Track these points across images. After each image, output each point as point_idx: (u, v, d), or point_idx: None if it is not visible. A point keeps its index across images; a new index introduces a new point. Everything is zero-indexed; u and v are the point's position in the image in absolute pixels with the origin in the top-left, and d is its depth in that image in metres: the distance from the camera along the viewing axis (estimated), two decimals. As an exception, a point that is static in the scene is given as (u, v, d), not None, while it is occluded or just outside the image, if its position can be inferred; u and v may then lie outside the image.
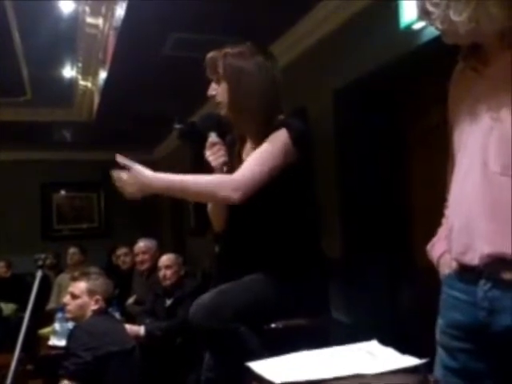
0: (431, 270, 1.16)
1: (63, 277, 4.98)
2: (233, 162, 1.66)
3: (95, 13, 3.62)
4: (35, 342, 3.20)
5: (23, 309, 2.71)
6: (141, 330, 3.10)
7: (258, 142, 1.59)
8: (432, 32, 2.13)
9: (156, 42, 3.57)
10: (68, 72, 4.73)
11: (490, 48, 1.01)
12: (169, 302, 3.34)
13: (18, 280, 5.39)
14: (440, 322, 1.10)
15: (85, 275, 2.53)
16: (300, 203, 1.62)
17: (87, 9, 3.59)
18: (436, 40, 1.66)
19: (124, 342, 2.38)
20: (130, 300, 4.01)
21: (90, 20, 3.71)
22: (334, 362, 0.97)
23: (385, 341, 1.05)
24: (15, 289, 5.17)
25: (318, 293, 1.61)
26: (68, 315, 2.54)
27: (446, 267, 1.10)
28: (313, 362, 0.99)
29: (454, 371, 1.04)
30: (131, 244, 4.36)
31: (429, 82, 2.55)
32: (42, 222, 7.53)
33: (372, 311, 2.79)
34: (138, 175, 1.50)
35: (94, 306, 2.42)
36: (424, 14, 1.00)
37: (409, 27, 2.43)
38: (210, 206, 1.70)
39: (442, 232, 1.15)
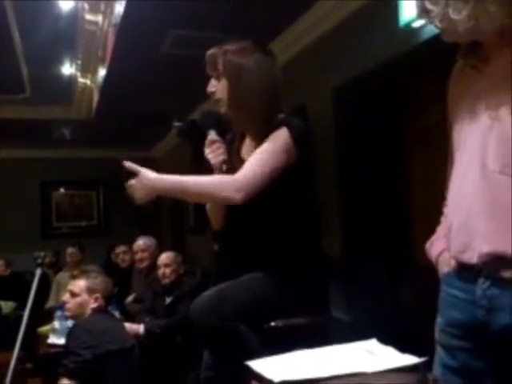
0: (431, 268, 1.16)
1: (62, 275, 4.98)
2: (232, 160, 1.65)
3: (94, 10, 3.61)
4: (34, 340, 3.20)
5: (22, 307, 2.72)
6: (140, 328, 3.10)
7: (257, 140, 1.59)
8: (431, 30, 2.13)
9: (155, 39, 3.57)
10: (67, 69, 4.73)
11: (489, 46, 1.01)
12: (168, 300, 3.34)
13: (17, 278, 5.39)
14: (439, 320, 1.10)
15: (84, 273, 2.53)
16: (300, 202, 1.62)
17: (86, 6, 3.58)
18: (435, 38, 1.66)
19: (123, 340, 2.38)
20: (130, 298, 4.01)
21: (89, 17, 3.70)
22: (334, 361, 0.98)
23: (384, 339, 1.05)
24: (14, 287, 5.17)
25: (317, 292, 1.61)
26: (67, 313, 2.54)
27: (445, 265, 1.10)
28: (312, 360, 1.00)
29: (453, 370, 1.04)
30: (130, 242, 4.36)
31: (428, 80, 2.54)
32: (41, 219, 7.53)
33: (372, 310, 2.79)
34: (142, 179, 1.51)
35: (93, 304, 2.42)
36: (423, 12, 1.00)
37: (408, 25, 2.43)
38: (208, 205, 1.70)
39: (440, 230, 1.15)
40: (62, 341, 2.72)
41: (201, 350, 1.63)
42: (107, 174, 7.44)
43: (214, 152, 1.62)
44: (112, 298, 2.78)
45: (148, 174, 1.51)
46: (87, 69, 4.70)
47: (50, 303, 4.76)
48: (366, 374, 0.91)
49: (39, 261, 2.29)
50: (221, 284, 1.59)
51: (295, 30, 3.42)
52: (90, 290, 2.43)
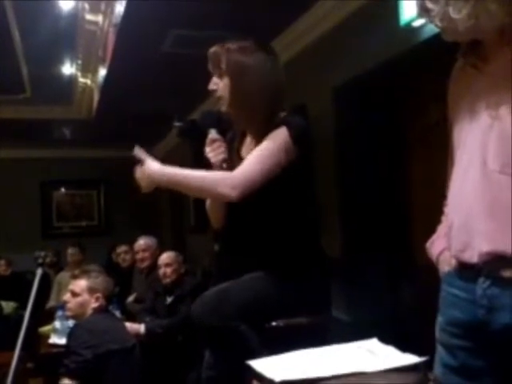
0: (431, 268, 1.16)
1: (63, 275, 4.98)
2: (232, 159, 1.65)
3: (95, 10, 3.61)
4: (35, 340, 3.20)
5: (23, 307, 2.72)
6: (141, 328, 3.10)
7: (258, 139, 1.59)
8: (432, 29, 2.13)
9: (155, 39, 3.57)
10: (67, 69, 4.73)
11: (489, 45, 1.01)
12: (169, 299, 3.34)
13: (18, 278, 5.38)
14: (439, 319, 1.10)
15: (85, 273, 2.53)
16: (300, 202, 1.62)
17: (86, 6, 3.58)
18: (436, 37, 1.66)
19: (124, 340, 2.38)
20: (130, 298, 4.01)
21: (89, 17, 3.70)
22: (335, 360, 0.98)
23: (385, 339, 1.05)
24: (15, 287, 5.17)
25: (318, 291, 1.61)
26: (68, 313, 2.54)
27: (446, 265, 1.10)
28: (313, 360, 1.00)
29: (453, 369, 1.04)
30: (131, 242, 4.36)
31: (428, 79, 2.54)
32: (41, 219, 7.54)
33: (372, 310, 2.79)
34: (146, 169, 1.53)
35: (94, 304, 2.42)
36: (423, 11, 1.00)
37: (408, 25, 2.43)
38: (208, 203, 1.70)
39: (441, 229, 1.15)
40: (63, 341, 2.72)
41: (202, 350, 1.64)
42: (108, 173, 7.46)
43: (214, 151, 1.63)
44: (113, 298, 2.78)
45: (151, 165, 1.53)
46: (87, 69, 4.70)
47: (51, 303, 4.76)
48: (366, 373, 0.91)
49: (40, 261, 2.29)
50: (221, 284, 1.60)
51: (295, 30, 3.42)
52: (91, 290, 2.43)
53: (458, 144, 1.06)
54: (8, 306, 5.04)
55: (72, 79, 4.98)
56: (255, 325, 1.52)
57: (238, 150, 1.70)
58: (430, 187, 2.53)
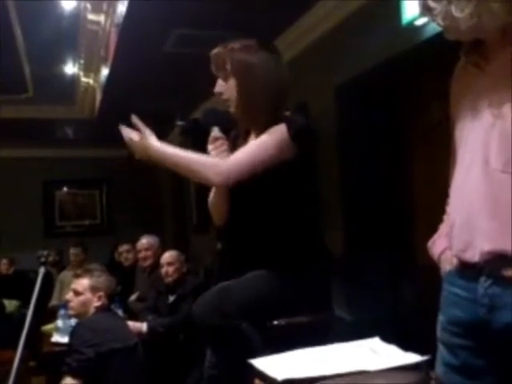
0: (432, 267, 1.16)
1: (65, 274, 4.99)
2: None
3: (97, 10, 3.62)
4: (38, 338, 3.21)
5: (26, 305, 2.72)
6: (143, 326, 3.10)
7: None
8: (434, 28, 2.13)
9: (158, 38, 3.57)
10: (70, 69, 4.73)
11: (491, 44, 1.01)
12: (171, 298, 3.34)
13: (21, 277, 5.40)
14: (441, 318, 1.10)
15: (88, 272, 2.54)
16: (302, 200, 1.62)
17: (89, 6, 3.58)
18: (438, 36, 1.65)
19: (126, 338, 2.38)
20: (133, 297, 4.02)
21: (91, 17, 3.71)
22: (337, 359, 0.98)
23: (387, 338, 1.05)
24: (18, 285, 5.18)
25: (320, 290, 1.61)
26: (71, 312, 2.55)
27: (447, 264, 1.10)
28: (315, 358, 1.00)
29: (455, 368, 1.04)
30: (134, 241, 4.36)
31: (430, 78, 2.54)
32: (44, 219, 7.55)
33: (373, 308, 2.79)
34: (144, 140, 1.55)
35: (96, 303, 2.42)
36: (426, 10, 1.00)
37: (411, 23, 2.42)
38: (210, 200, 1.71)
39: (443, 229, 1.15)
40: (65, 339, 2.73)
41: (204, 349, 1.64)
42: (110, 173, 7.47)
43: (217, 149, 1.63)
44: (115, 297, 2.78)
45: (150, 139, 1.56)
46: (90, 68, 4.70)
47: (54, 302, 4.77)
48: (368, 372, 0.91)
49: (42, 259, 2.30)
50: (223, 282, 1.60)
51: (297, 29, 3.42)
52: (94, 289, 2.44)
53: (459, 143, 1.06)
54: (11, 305, 5.05)
55: (74, 79, 4.99)
56: (257, 323, 1.52)
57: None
58: (431, 186, 2.52)
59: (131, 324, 2.88)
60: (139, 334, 2.89)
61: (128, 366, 2.27)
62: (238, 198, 1.65)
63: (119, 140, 1.65)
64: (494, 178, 0.95)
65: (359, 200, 3.06)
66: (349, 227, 3.10)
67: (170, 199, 7.23)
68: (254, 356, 1.03)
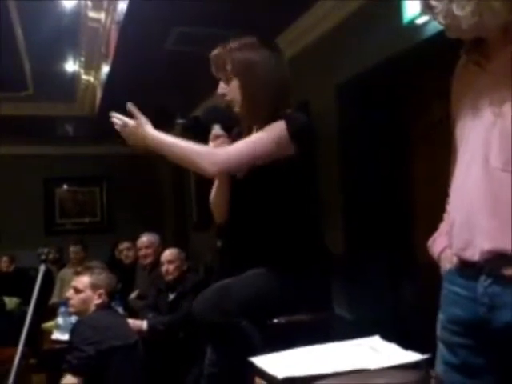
0: (432, 266, 1.16)
1: (66, 271, 5.00)
2: None
3: (97, 7, 3.61)
4: (38, 336, 3.21)
5: (26, 303, 2.72)
6: (143, 324, 3.11)
7: None
8: (435, 27, 2.12)
9: (158, 36, 3.57)
10: (70, 66, 4.73)
11: (493, 42, 1.00)
12: (171, 296, 3.35)
13: (21, 274, 5.40)
14: (441, 317, 1.10)
15: (88, 270, 2.54)
16: (302, 199, 1.62)
17: (89, 3, 3.58)
18: (439, 35, 1.65)
19: (127, 336, 2.39)
20: (133, 294, 4.02)
21: (92, 14, 3.71)
22: (337, 357, 0.98)
23: (387, 337, 1.05)
24: (18, 283, 5.19)
25: (320, 289, 1.61)
26: (71, 309, 2.55)
27: (447, 262, 1.10)
28: (315, 357, 1.00)
29: (455, 367, 1.04)
30: (134, 238, 4.36)
31: (432, 76, 2.54)
32: (44, 216, 7.55)
33: (373, 307, 2.79)
34: (139, 127, 1.54)
35: (97, 301, 2.43)
36: (427, 8, 1.00)
37: (412, 22, 2.42)
38: (211, 197, 1.71)
39: (443, 227, 1.15)
40: (65, 337, 2.73)
41: (204, 346, 1.64)
42: (110, 170, 7.47)
43: (218, 146, 1.63)
44: (115, 294, 2.79)
45: (145, 126, 1.56)
46: (90, 66, 4.70)
47: (54, 299, 4.78)
48: (369, 370, 0.91)
49: (43, 257, 2.30)
50: (223, 280, 1.60)
51: (298, 28, 3.41)
52: (94, 286, 2.44)
53: (460, 141, 1.06)
54: (11, 302, 5.06)
55: (75, 76, 4.98)
56: (257, 321, 1.52)
57: None
58: (432, 185, 2.52)
59: (131, 322, 2.89)
60: (139, 331, 2.90)
61: (128, 364, 2.28)
62: (239, 196, 1.65)
63: (119, 137, 1.65)
64: (495, 176, 0.95)
65: (359, 199, 3.06)
66: (349, 227, 3.10)
67: (170, 196, 7.23)
68: (254, 354, 1.03)
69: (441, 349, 1.08)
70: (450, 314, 1.06)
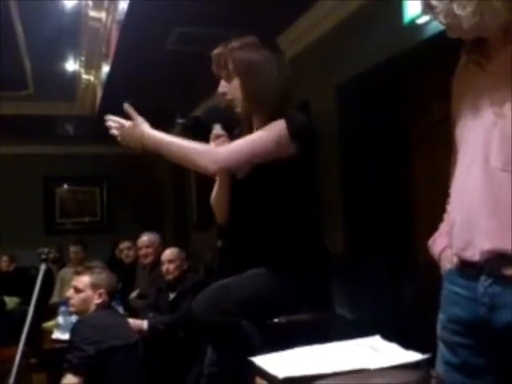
0: (433, 266, 1.16)
1: (66, 271, 5.00)
2: None
3: (98, 6, 3.61)
4: (39, 335, 3.21)
5: (27, 302, 2.72)
6: (144, 324, 3.11)
7: None
8: (435, 27, 2.13)
9: (159, 36, 3.57)
10: (71, 66, 4.73)
11: (493, 43, 1.00)
12: (172, 296, 3.35)
13: (22, 274, 5.40)
14: (441, 317, 1.10)
15: (88, 269, 2.54)
16: (302, 199, 1.62)
17: (90, 2, 3.58)
18: (439, 35, 1.65)
19: (127, 336, 2.39)
20: (133, 294, 4.02)
21: (92, 14, 3.71)
22: (338, 357, 0.98)
23: (387, 336, 1.05)
24: (18, 282, 5.18)
25: (320, 290, 1.61)
26: (71, 309, 2.55)
27: (448, 262, 1.10)
28: (316, 356, 1.00)
29: (455, 366, 1.04)
30: (134, 238, 4.36)
31: (432, 76, 2.54)
32: (44, 216, 7.55)
33: (374, 307, 2.79)
34: (136, 127, 1.55)
35: (97, 300, 2.43)
36: (428, 8, 1.00)
37: (413, 22, 2.42)
38: (212, 197, 1.71)
39: (443, 227, 1.15)
40: (66, 336, 2.73)
41: (204, 346, 1.64)
42: (110, 170, 7.47)
43: (218, 146, 1.63)
44: (116, 294, 2.79)
45: (142, 126, 1.56)
46: (91, 65, 4.70)
47: (54, 299, 4.78)
48: (369, 370, 0.91)
49: (43, 256, 2.30)
50: (223, 280, 1.60)
51: (299, 28, 3.41)
52: (94, 286, 2.44)
53: (460, 141, 1.06)
54: (11, 302, 5.06)
55: (75, 76, 4.98)
56: (256, 321, 1.52)
57: None
58: (432, 185, 2.52)
59: (132, 321, 2.89)
60: (140, 331, 2.90)
61: (128, 364, 2.28)
62: (239, 196, 1.65)
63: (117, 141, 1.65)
64: (495, 176, 0.95)
65: (359, 199, 3.06)
66: (349, 227, 3.10)
67: (170, 196, 7.23)
68: (254, 354, 1.03)
69: (441, 349, 1.09)
70: (451, 313, 1.06)
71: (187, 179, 6.08)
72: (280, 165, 1.53)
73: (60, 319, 3.04)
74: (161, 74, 4.31)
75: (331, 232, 2.16)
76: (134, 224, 6.33)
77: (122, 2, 3.21)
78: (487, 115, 0.98)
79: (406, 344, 1.01)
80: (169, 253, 3.43)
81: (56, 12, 3.55)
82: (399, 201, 3.03)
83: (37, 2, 3.42)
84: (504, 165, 0.94)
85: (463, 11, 0.94)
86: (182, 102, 4.86)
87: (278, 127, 1.52)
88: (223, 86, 1.64)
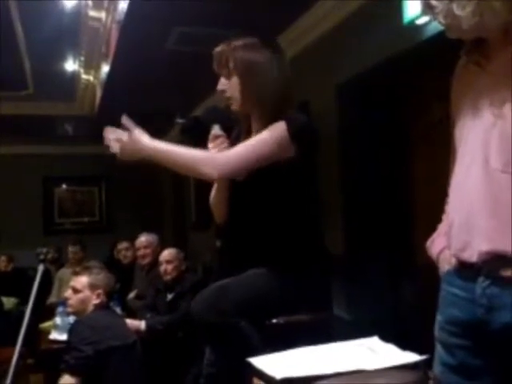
0: (431, 267, 1.16)
1: (64, 271, 4.99)
2: None
3: (98, 6, 3.61)
4: (36, 335, 3.21)
5: (24, 303, 2.72)
6: (142, 324, 3.10)
7: None
8: (435, 27, 2.12)
9: (159, 36, 3.57)
10: (70, 66, 4.73)
11: (493, 43, 1.00)
12: (170, 296, 3.34)
13: (20, 274, 5.40)
14: (439, 318, 1.09)
15: (86, 270, 2.54)
16: (302, 199, 1.62)
17: (90, 2, 3.58)
18: (439, 35, 1.65)
19: (125, 336, 2.38)
20: (131, 295, 4.02)
21: (92, 13, 3.71)
22: (336, 358, 0.98)
23: (385, 337, 1.05)
24: (16, 283, 5.18)
25: (320, 290, 1.61)
26: (69, 309, 2.55)
27: (446, 263, 1.09)
28: (314, 357, 1.00)
29: (452, 368, 1.04)
30: (132, 238, 4.36)
31: (432, 77, 2.53)
32: (43, 216, 7.55)
33: (373, 308, 2.79)
34: (135, 140, 1.54)
35: (95, 301, 2.42)
36: (427, 8, 1.00)
37: (412, 22, 2.42)
38: (211, 198, 1.70)
39: (442, 228, 1.15)
40: (63, 337, 2.73)
41: (202, 346, 1.63)
42: (109, 170, 7.46)
43: (217, 147, 1.62)
44: (114, 295, 2.79)
45: (140, 137, 1.54)
46: (90, 65, 4.70)
47: (52, 299, 4.77)
48: (367, 371, 0.91)
49: (41, 257, 2.29)
50: (222, 280, 1.60)
51: (298, 28, 3.41)
52: (92, 286, 2.44)
53: (460, 142, 1.06)
54: (9, 302, 5.05)
55: (75, 76, 4.98)
56: (255, 321, 1.51)
57: None
58: (432, 185, 2.52)
59: (130, 322, 2.88)
60: (138, 331, 2.89)
61: (127, 364, 2.27)
62: (239, 196, 1.64)
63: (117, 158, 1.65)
64: (494, 177, 0.95)
65: (359, 199, 3.06)
66: (349, 227, 3.09)
67: (169, 196, 7.23)
68: (253, 354, 1.03)
69: (439, 350, 1.08)
70: (448, 315, 1.06)
71: (186, 179, 6.08)
72: (280, 165, 1.52)
73: (57, 320, 3.03)
74: (160, 74, 4.31)
75: (331, 232, 2.16)
76: (133, 224, 6.33)
77: (122, 2, 3.21)
78: (487, 115, 0.98)
79: (405, 345, 1.01)
80: (167, 253, 3.43)
81: (56, 12, 3.55)
82: (399, 201, 3.03)
83: (37, 2, 3.42)
84: (504, 166, 0.93)
85: (463, 11, 0.94)
86: (182, 101, 4.86)
87: (278, 129, 1.52)
88: (223, 83, 1.63)
